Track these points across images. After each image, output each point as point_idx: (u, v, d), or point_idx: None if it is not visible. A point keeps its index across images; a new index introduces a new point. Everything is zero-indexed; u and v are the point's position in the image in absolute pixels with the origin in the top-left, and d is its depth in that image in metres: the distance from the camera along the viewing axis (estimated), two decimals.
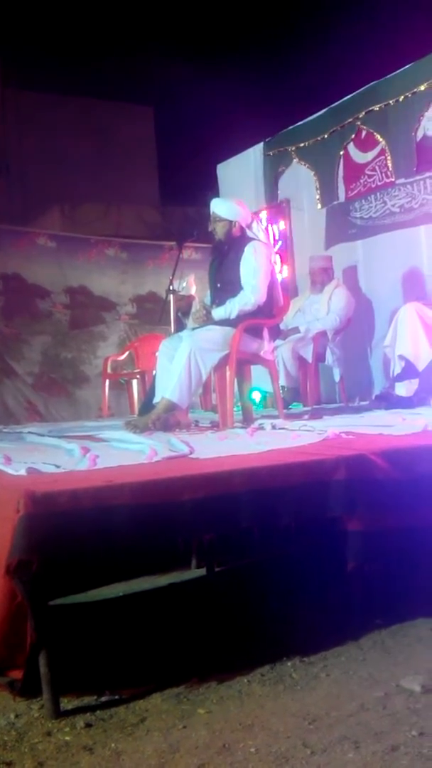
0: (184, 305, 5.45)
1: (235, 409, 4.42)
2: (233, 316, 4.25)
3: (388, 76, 5.80)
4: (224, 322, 4.26)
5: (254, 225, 4.53)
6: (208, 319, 4.32)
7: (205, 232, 4.80)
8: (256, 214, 6.97)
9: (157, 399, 4.17)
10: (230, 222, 4.39)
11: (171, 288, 5.14)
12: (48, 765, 1.90)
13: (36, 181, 16.28)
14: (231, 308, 4.25)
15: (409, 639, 2.58)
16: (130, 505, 2.22)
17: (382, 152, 5.89)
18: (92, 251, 8.98)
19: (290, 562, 3.33)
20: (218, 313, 4.29)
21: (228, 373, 4.22)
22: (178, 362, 4.06)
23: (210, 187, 8.20)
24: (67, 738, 2.03)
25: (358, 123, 6.00)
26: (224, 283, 4.39)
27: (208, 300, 4.60)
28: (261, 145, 7.09)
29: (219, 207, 4.44)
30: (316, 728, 1.98)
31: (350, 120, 6.08)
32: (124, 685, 2.31)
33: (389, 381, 5.07)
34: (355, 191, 6.26)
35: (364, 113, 5.93)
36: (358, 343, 6.16)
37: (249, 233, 4.45)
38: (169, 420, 4.02)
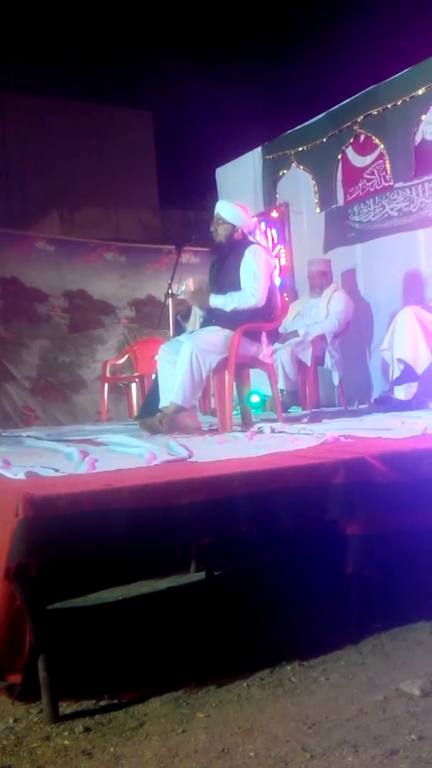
0: (184, 309, 5.45)
1: (234, 412, 4.42)
2: (228, 308, 4.27)
3: (387, 80, 5.80)
4: (221, 319, 4.26)
5: (257, 233, 4.56)
6: (204, 301, 4.35)
7: (204, 235, 4.81)
8: (259, 222, 7.02)
9: (164, 404, 4.19)
10: (233, 226, 4.42)
11: (170, 292, 5.14)
12: None
13: (35, 184, 16.32)
14: (230, 300, 4.27)
15: (408, 643, 2.58)
16: (129, 509, 2.21)
17: (380, 156, 5.90)
18: (91, 255, 8.99)
19: (289, 566, 3.33)
20: (216, 300, 4.32)
21: (227, 377, 4.22)
22: (181, 364, 4.08)
23: (209, 191, 8.22)
24: (66, 742, 2.02)
25: (357, 127, 6.01)
26: (224, 286, 4.40)
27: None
28: (260, 149, 7.09)
29: (224, 209, 4.47)
30: (315, 732, 1.98)
31: (349, 124, 6.08)
32: (123, 690, 2.30)
33: (388, 384, 5.08)
34: (354, 195, 6.27)
35: (362, 117, 5.94)
36: (357, 346, 6.16)
37: (250, 238, 4.47)
38: (177, 421, 4.04)
